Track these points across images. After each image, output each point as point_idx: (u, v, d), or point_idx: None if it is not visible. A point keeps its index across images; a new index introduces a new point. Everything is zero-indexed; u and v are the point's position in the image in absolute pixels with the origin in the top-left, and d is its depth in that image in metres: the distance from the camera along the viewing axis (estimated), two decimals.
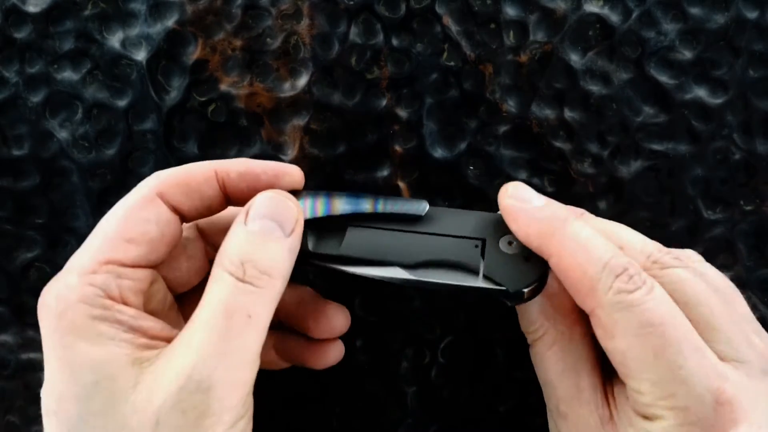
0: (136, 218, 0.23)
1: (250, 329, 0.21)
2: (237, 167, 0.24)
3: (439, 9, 0.30)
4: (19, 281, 0.30)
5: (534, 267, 0.23)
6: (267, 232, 0.22)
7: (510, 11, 0.30)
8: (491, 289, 0.23)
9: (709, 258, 0.30)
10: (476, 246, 0.24)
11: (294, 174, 0.25)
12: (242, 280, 0.21)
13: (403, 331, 0.30)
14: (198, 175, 0.24)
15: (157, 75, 0.30)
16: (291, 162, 0.30)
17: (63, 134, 0.30)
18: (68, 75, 0.30)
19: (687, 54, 0.30)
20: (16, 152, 0.30)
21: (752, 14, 0.30)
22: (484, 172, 0.30)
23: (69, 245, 0.30)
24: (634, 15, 0.30)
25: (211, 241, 0.27)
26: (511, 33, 0.30)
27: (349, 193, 0.25)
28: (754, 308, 0.31)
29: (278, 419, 0.30)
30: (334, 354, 0.28)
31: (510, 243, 0.24)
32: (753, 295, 0.30)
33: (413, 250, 0.24)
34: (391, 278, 0.24)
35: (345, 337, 0.30)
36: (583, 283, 0.22)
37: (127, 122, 0.30)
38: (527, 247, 0.23)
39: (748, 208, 0.30)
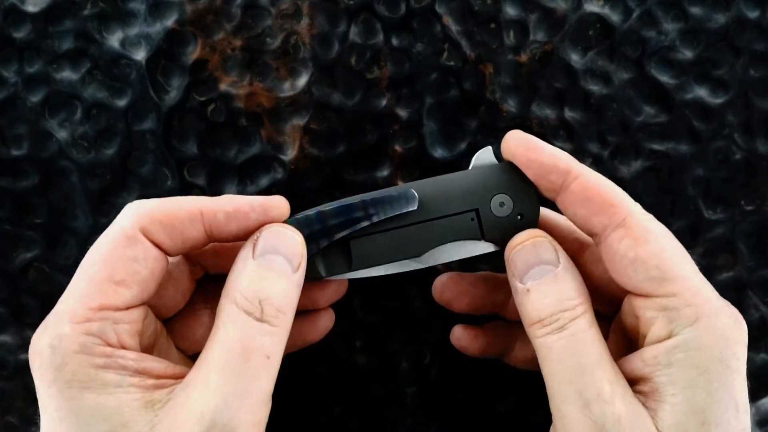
0: (123, 258, 0.22)
1: (268, 369, 0.21)
2: (224, 207, 0.23)
3: (439, 8, 0.30)
4: (18, 281, 0.30)
5: (527, 223, 0.25)
6: (279, 269, 0.22)
7: (510, 11, 0.30)
8: (497, 251, 0.25)
9: (710, 258, 0.30)
10: (472, 219, 0.25)
11: (281, 206, 0.24)
12: (260, 320, 0.21)
13: (403, 331, 0.30)
14: (182, 215, 0.23)
15: (156, 75, 0.30)
16: (290, 162, 0.30)
17: (62, 134, 0.30)
18: (67, 75, 0.30)
19: (687, 54, 0.30)
20: (15, 152, 0.30)
21: (753, 14, 0.30)
22: None
23: (68, 245, 0.30)
24: (635, 14, 0.30)
25: (195, 261, 0.26)
26: (512, 33, 0.30)
27: (337, 203, 0.24)
28: (755, 309, 0.31)
29: (278, 419, 0.30)
30: (326, 323, 0.28)
31: (501, 204, 0.25)
32: (753, 295, 0.30)
33: (416, 241, 0.25)
34: (405, 270, 0.25)
35: (345, 338, 0.30)
36: (615, 193, 0.23)
37: (127, 122, 0.30)
38: (522, 201, 0.25)
39: (749, 208, 0.30)
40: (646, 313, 0.22)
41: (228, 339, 0.21)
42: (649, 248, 0.22)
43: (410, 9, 0.30)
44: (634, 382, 0.22)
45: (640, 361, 0.22)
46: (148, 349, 0.23)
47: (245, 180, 0.30)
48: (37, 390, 0.21)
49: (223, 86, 0.30)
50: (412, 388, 0.30)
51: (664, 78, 0.30)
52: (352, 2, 0.30)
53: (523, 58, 0.30)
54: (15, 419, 0.30)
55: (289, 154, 0.30)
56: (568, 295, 0.23)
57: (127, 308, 0.22)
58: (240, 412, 0.20)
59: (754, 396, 0.30)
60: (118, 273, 0.22)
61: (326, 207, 0.24)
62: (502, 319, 0.29)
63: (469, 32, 0.30)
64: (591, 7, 0.30)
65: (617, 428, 0.21)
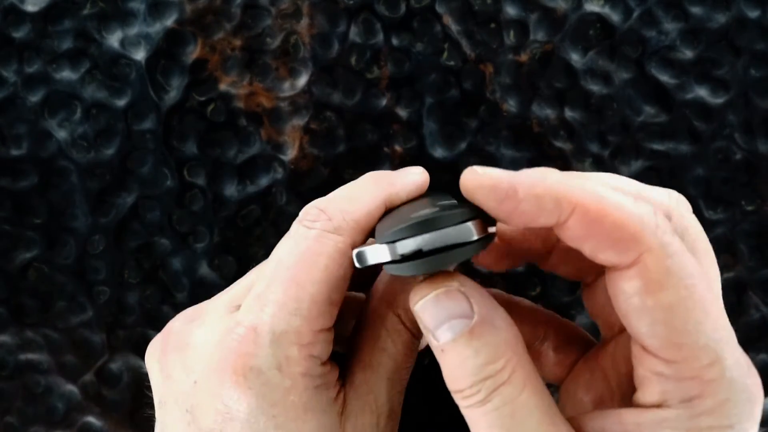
0: (339, 278, 0.21)
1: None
2: (406, 189, 0.23)
3: (439, 8, 0.30)
4: (17, 281, 0.30)
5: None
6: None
7: (510, 10, 0.30)
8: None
9: None
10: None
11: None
12: (417, 337, 0.23)
13: None
14: (375, 214, 0.22)
15: (156, 74, 0.30)
16: (290, 161, 0.30)
17: (62, 134, 0.30)
18: (67, 74, 0.30)
19: (688, 53, 0.30)
20: (14, 152, 0.30)
21: (753, 13, 0.30)
22: None
23: (68, 245, 0.30)
24: (635, 14, 0.30)
25: None
26: (512, 32, 0.30)
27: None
28: (755, 309, 0.30)
29: None
30: None
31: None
32: (754, 296, 0.30)
33: None
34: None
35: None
36: (628, 223, 0.17)
37: (126, 122, 0.30)
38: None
39: (750, 208, 0.30)
40: (640, 368, 0.19)
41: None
42: (662, 297, 0.17)
43: (410, 9, 0.30)
44: None
45: (618, 424, 0.18)
46: None
47: (245, 180, 0.30)
48: (245, 404, 0.20)
49: (222, 86, 0.30)
50: (411, 388, 0.30)
51: (665, 78, 0.30)
52: (352, 2, 0.30)
53: (524, 57, 0.30)
54: (14, 419, 0.30)
55: (289, 154, 0.30)
56: (488, 356, 0.18)
57: (334, 325, 0.22)
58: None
59: None
60: (336, 294, 0.21)
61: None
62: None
63: (469, 32, 0.30)
64: (591, 7, 0.30)
65: None
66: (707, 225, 0.30)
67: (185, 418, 0.21)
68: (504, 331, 0.19)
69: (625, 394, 0.21)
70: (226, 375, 0.20)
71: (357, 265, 0.19)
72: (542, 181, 0.18)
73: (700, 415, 0.17)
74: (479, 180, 0.18)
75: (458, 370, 0.19)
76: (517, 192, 0.18)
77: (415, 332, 0.23)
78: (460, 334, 0.18)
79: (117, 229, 0.30)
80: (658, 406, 0.18)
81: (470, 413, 0.19)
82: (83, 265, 0.30)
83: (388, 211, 0.23)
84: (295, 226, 0.22)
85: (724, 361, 0.17)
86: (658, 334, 0.18)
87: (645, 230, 0.17)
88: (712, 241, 0.30)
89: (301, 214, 0.22)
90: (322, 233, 0.21)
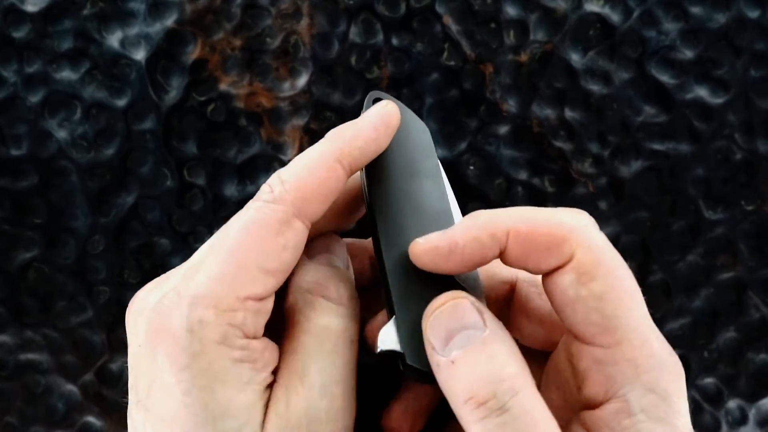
0: (276, 246, 0.20)
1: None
2: (366, 141, 0.22)
3: (439, 8, 0.30)
4: (17, 281, 0.30)
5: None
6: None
7: (510, 11, 0.30)
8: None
9: (710, 258, 0.30)
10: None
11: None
12: (341, 304, 0.22)
13: None
14: (332, 183, 0.22)
15: (156, 74, 0.30)
16: (290, 161, 0.30)
17: (62, 134, 0.30)
18: (67, 74, 0.30)
19: (688, 53, 0.30)
20: (14, 152, 0.30)
21: (753, 13, 0.30)
22: (485, 171, 0.30)
23: (68, 245, 0.30)
24: (635, 14, 0.30)
25: None
26: (512, 32, 0.30)
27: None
28: (755, 309, 0.30)
29: None
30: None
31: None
32: (754, 295, 0.30)
33: None
34: None
35: None
36: (559, 227, 0.20)
37: (126, 122, 0.30)
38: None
39: (750, 208, 0.30)
40: (580, 362, 0.20)
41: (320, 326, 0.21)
42: (594, 286, 0.20)
43: (410, 9, 0.30)
44: None
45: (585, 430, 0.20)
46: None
47: (245, 180, 0.30)
48: (160, 369, 0.20)
49: (222, 86, 0.30)
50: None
51: (665, 78, 0.30)
52: (352, 2, 0.30)
53: (524, 57, 0.30)
54: (14, 419, 0.30)
55: (289, 154, 0.30)
56: (501, 364, 0.19)
57: (268, 297, 0.21)
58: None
59: (754, 396, 0.30)
60: (270, 262, 0.20)
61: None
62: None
63: (469, 32, 0.30)
64: (591, 7, 0.30)
65: None
66: (707, 225, 0.30)
67: (132, 384, 0.21)
68: (511, 342, 0.20)
69: (576, 402, 0.21)
70: (151, 338, 0.20)
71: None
72: (474, 223, 0.21)
73: (642, 397, 0.19)
74: (423, 248, 0.21)
75: (472, 377, 0.19)
76: (457, 243, 0.21)
77: (334, 297, 0.22)
78: (475, 344, 0.19)
79: (117, 229, 0.30)
80: (606, 401, 0.19)
81: (486, 426, 0.18)
82: (83, 265, 0.30)
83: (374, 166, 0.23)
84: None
85: (652, 343, 0.20)
86: (593, 321, 0.20)
87: (573, 231, 0.20)
88: (713, 240, 0.30)
89: None
90: (263, 204, 0.21)
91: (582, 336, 0.20)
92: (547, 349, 0.23)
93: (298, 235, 0.21)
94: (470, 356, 0.19)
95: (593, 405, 0.20)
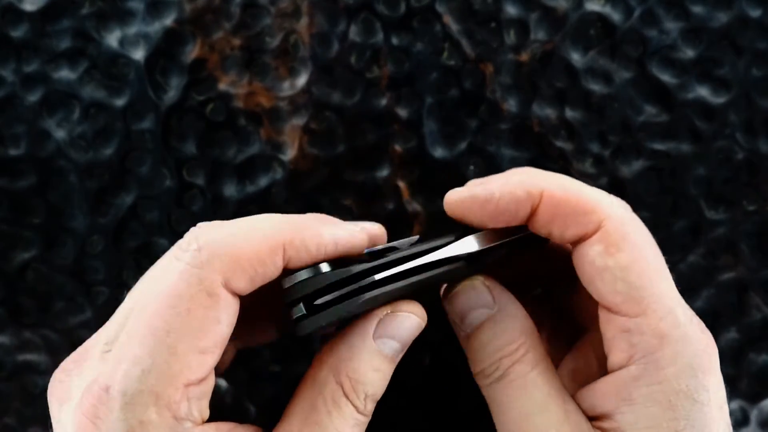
0: (207, 322, 0.18)
1: None
2: (322, 239, 0.20)
3: (440, 8, 0.30)
4: (16, 282, 0.30)
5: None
6: (396, 360, 0.21)
7: (511, 10, 0.30)
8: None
9: (712, 258, 0.30)
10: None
11: (382, 236, 0.23)
12: (362, 414, 0.21)
13: None
14: (264, 255, 0.19)
15: (155, 74, 0.30)
16: (290, 161, 0.30)
17: (60, 134, 0.30)
18: (65, 74, 0.30)
19: (689, 53, 0.30)
20: (12, 152, 0.30)
21: (755, 12, 0.30)
22: (485, 171, 0.30)
23: (66, 245, 0.30)
24: (636, 13, 0.30)
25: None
26: (512, 32, 0.30)
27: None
28: (757, 309, 0.30)
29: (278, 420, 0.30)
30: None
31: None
32: (756, 296, 0.30)
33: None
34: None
35: None
36: (588, 198, 0.21)
37: (125, 122, 0.30)
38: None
39: (751, 208, 0.30)
40: (608, 332, 0.21)
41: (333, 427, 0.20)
42: (620, 257, 0.20)
43: (410, 8, 0.30)
44: (595, 418, 0.21)
45: (600, 395, 0.21)
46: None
47: (244, 180, 0.30)
48: None
49: (222, 86, 0.30)
50: (412, 388, 0.30)
51: (666, 77, 0.30)
52: (351, 1, 0.30)
53: (524, 57, 0.30)
54: (12, 421, 0.30)
55: (289, 154, 0.30)
56: (506, 339, 0.21)
57: (208, 375, 0.19)
58: None
59: (757, 397, 0.30)
60: (204, 341, 0.18)
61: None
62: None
63: (469, 31, 0.30)
64: (592, 6, 0.30)
65: None
66: (708, 225, 0.30)
67: None
68: (519, 319, 0.22)
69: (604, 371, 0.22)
70: None
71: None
72: (512, 178, 0.22)
73: (665, 367, 0.19)
74: (460, 195, 0.22)
75: (481, 352, 0.22)
76: (493, 193, 0.21)
77: (360, 406, 0.20)
78: (485, 321, 0.22)
79: (116, 230, 0.30)
80: (627, 364, 0.20)
81: (490, 391, 0.22)
82: (82, 265, 0.30)
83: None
84: (170, 250, 0.19)
85: (678, 316, 0.20)
86: (619, 290, 0.20)
87: (603, 203, 0.21)
88: (714, 241, 0.30)
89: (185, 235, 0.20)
90: (187, 268, 0.18)
91: (609, 305, 0.21)
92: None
93: (230, 306, 0.19)
94: (481, 333, 0.22)
95: (616, 369, 0.21)
